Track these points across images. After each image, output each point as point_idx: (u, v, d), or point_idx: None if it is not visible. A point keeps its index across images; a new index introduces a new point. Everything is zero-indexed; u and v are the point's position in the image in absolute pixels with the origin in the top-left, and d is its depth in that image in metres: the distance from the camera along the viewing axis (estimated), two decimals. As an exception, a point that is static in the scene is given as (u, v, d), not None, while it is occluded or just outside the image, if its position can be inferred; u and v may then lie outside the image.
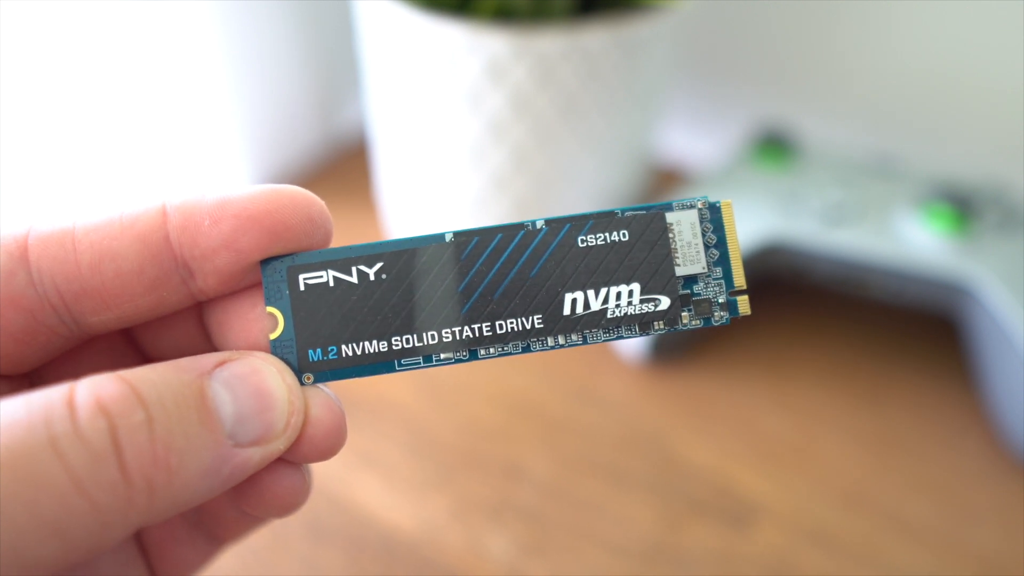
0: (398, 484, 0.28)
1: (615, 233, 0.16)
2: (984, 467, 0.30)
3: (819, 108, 0.43)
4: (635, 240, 0.16)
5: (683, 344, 0.33)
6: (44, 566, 0.12)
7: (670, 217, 0.16)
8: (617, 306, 0.16)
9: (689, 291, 0.16)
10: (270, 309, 0.16)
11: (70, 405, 0.13)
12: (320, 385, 0.16)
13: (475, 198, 0.34)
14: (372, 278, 0.16)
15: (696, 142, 0.46)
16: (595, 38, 0.30)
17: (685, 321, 0.16)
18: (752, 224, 0.32)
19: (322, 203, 0.16)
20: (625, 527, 0.27)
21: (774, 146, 0.36)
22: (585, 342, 0.16)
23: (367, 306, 0.16)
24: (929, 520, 0.28)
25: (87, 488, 0.12)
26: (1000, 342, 0.29)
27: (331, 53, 0.43)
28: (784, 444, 0.30)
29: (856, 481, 0.29)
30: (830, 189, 0.33)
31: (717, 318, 0.16)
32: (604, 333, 0.16)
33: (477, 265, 0.16)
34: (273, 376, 0.15)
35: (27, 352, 0.15)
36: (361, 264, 0.16)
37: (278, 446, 0.15)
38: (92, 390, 0.13)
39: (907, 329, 0.35)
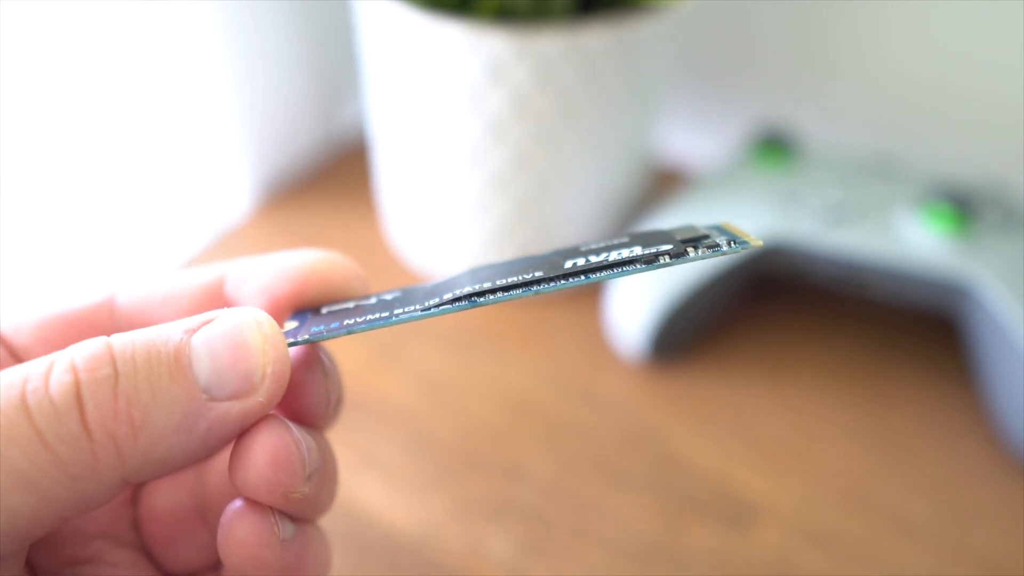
0: (398, 484, 0.28)
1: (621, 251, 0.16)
2: (984, 467, 0.30)
3: (819, 108, 0.43)
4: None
5: (683, 344, 0.33)
6: (23, 517, 0.13)
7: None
8: (619, 255, 0.15)
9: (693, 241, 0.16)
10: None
11: (49, 365, 0.13)
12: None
13: (475, 198, 0.34)
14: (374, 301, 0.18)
15: (696, 142, 0.46)
16: (595, 38, 0.30)
17: (691, 255, 0.15)
18: (752, 224, 0.32)
19: (357, 268, 0.18)
20: (625, 527, 0.27)
21: (774, 146, 0.36)
22: (588, 279, 0.15)
23: (372, 307, 0.17)
24: (929, 520, 0.28)
25: (49, 441, 0.13)
26: (1000, 342, 0.29)
27: (331, 53, 0.43)
28: (784, 444, 0.30)
29: (856, 481, 0.29)
30: (830, 189, 0.33)
31: (727, 248, 0.15)
32: (608, 271, 0.15)
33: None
34: (250, 327, 0.15)
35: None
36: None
37: (258, 399, 0.14)
38: (73, 350, 0.14)
39: (907, 329, 0.35)
